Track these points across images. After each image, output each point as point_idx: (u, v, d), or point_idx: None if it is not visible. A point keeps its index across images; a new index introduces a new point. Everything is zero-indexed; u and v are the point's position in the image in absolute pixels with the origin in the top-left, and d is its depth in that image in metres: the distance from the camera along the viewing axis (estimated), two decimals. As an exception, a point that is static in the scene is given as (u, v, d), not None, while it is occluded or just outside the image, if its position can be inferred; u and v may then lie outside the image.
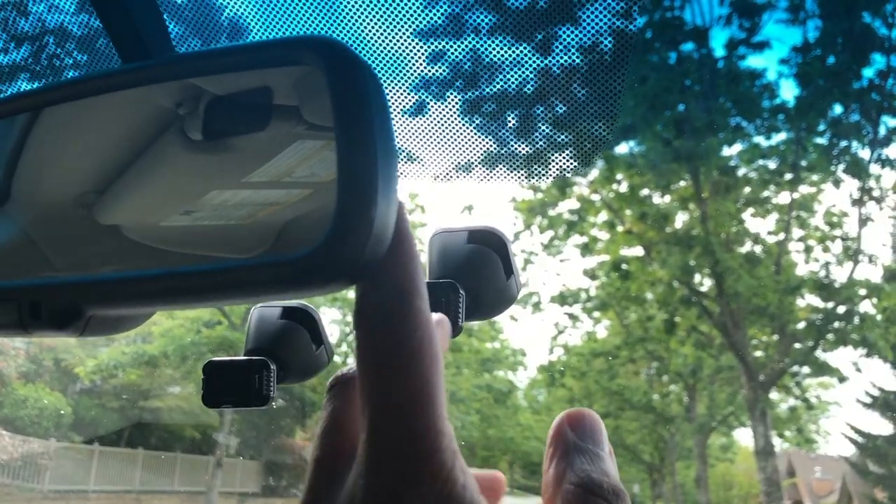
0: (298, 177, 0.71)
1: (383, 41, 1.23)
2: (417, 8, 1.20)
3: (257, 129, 0.71)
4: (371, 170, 0.55)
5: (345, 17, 1.21)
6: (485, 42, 1.29)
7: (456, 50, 1.28)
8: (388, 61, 1.26)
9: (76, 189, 0.83)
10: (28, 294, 0.68)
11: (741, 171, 14.16)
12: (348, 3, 1.18)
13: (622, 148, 14.46)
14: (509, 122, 1.42)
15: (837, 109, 12.28)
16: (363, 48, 1.27)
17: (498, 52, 1.30)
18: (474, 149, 1.36)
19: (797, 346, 14.24)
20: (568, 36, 1.25)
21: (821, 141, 13.69)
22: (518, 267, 0.80)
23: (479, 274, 0.77)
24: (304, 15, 1.23)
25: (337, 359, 21.55)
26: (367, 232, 0.54)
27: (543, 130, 1.40)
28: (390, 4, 1.23)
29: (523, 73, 1.35)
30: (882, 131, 13.13)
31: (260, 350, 0.90)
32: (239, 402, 0.90)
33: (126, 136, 0.80)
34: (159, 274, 0.66)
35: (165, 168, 0.81)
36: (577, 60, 1.28)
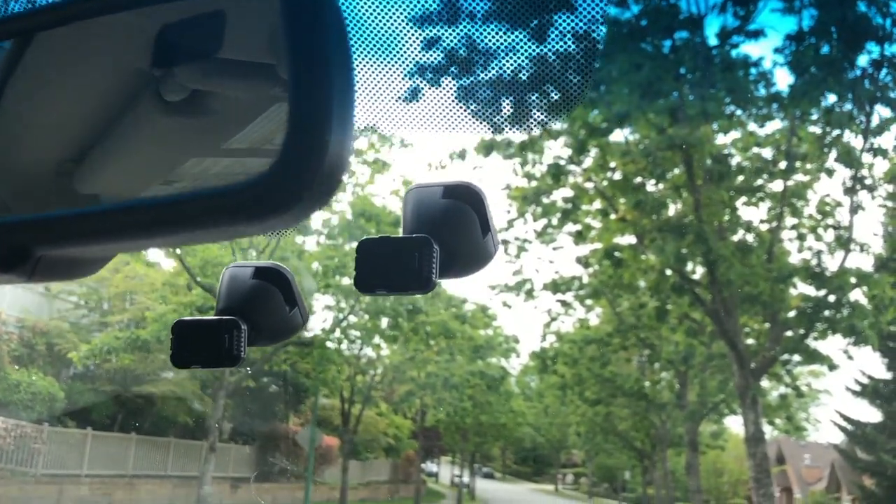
0: (279, 143, 0.72)
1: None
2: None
3: (212, 51, 0.68)
4: (326, 93, 0.53)
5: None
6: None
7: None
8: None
9: (54, 157, 0.81)
10: None
11: (735, 160, 14.20)
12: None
13: (617, 136, 14.49)
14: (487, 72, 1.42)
15: (831, 98, 12.31)
16: None
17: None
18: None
19: (788, 334, 14.32)
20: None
21: (814, 129, 13.74)
22: (495, 224, 0.77)
23: (455, 230, 0.74)
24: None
25: (330, 345, 21.49)
26: (321, 156, 0.52)
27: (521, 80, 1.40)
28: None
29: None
30: (875, 120, 13.18)
31: (231, 310, 0.87)
32: (208, 363, 0.89)
33: (102, 103, 0.78)
34: (109, 209, 0.64)
35: (143, 134, 0.79)
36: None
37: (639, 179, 13.99)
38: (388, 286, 0.71)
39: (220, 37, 0.68)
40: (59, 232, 0.62)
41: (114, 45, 0.74)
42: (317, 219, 19.79)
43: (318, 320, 21.97)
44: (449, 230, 0.74)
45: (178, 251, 17.31)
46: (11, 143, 0.77)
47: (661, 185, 13.94)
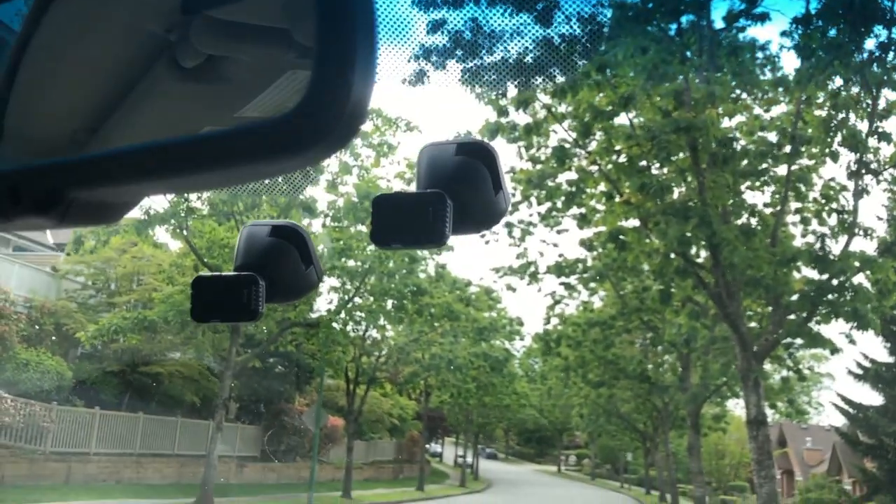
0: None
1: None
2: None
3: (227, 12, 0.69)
4: (350, 38, 0.55)
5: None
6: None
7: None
8: None
9: (69, 126, 0.81)
10: (6, 180, 0.67)
11: (740, 143, 14.18)
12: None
13: (622, 119, 14.47)
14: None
15: (837, 82, 12.25)
16: None
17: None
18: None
19: (791, 317, 14.35)
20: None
21: (820, 113, 13.70)
22: (507, 182, 0.78)
23: (468, 186, 0.75)
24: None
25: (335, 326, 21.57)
26: (345, 96, 0.54)
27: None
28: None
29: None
30: (881, 104, 13.14)
31: (249, 266, 0.89)
32: (228, 317, 0.90)
33: (117, 68, 0.78)
34: (137, 148, 0.65)
35: (158, 101, 0.81)
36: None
37: (643, 163, 13.99)
38: (403, 240, 0.73)
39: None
40: (91, 173, 0.64)
41: (130, 11, 0.75)
42: (322, 201, 19.86)
43: (324, 301, 22.10)
44: (462, 186, 0.74)
45: (185, 232, 17.39)
46: (27, 112, 0.77)
47: (665, 169, 13.94)
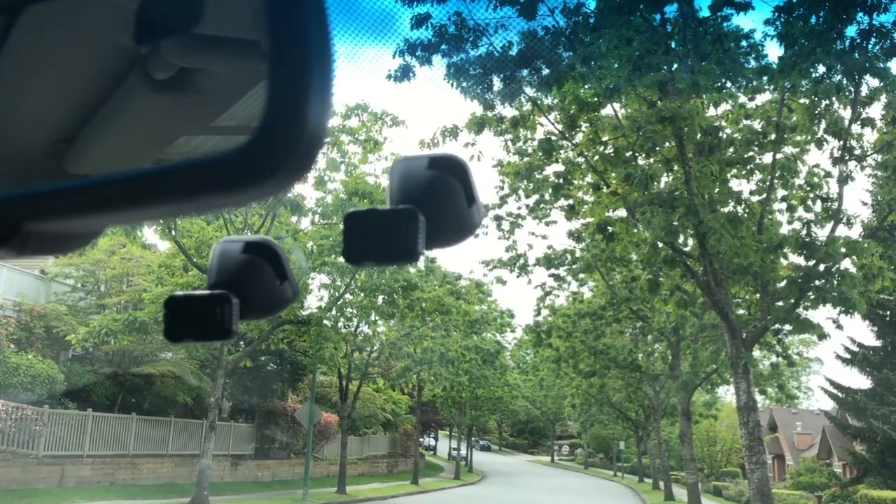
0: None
1: None
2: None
3: (194, 26, 0.69)
4: (304, 64, 0.55)
5: None
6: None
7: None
8: None
9: (45, 138, 0.81)
10: None
11: (725, 132, 14.26)
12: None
13: (607, 110, 14.53)
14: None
15: (820, 69, 12.35)
16: None
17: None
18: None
19: (779, 303, 14.47)
20: None
21: (804, 101, 13.80)
22: (479, 195, 0.78)
23: (440, 200, 0.75)
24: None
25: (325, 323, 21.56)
26: (301, 127, 0.54)
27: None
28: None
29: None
30: (864, 91, 13.25)
31: (222, 284, 0.87)
32: (201, 336, 0.88)
33: (91, 82, 0.79)
34: (93, 182, 0.65)
35: (132, 112, 0.80)
36: None
37: (630, 153, 14.04)
38: (376, 258, 0.71)
39: (202, 12, 0.69)
40: (45, 206, 0.63)
41: (100, 22, 0.74)
42: (311, 198, 19.84)
43: (315, 298, 22.11)
44: (434, 201, 0.74)
45: (173, 233, 17.35)
46: (2, 125, 0.76)
47: (652, 159, 14.01)
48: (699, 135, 12.84)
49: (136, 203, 0.60)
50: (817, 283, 13.48)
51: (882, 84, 12.45)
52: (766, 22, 11.92)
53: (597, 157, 14.63)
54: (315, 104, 0.54)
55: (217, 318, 0.82)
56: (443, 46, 11.08)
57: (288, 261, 0.90)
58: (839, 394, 33.40)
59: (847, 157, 13.96)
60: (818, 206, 15.27)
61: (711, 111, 14.56)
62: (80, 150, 0.80)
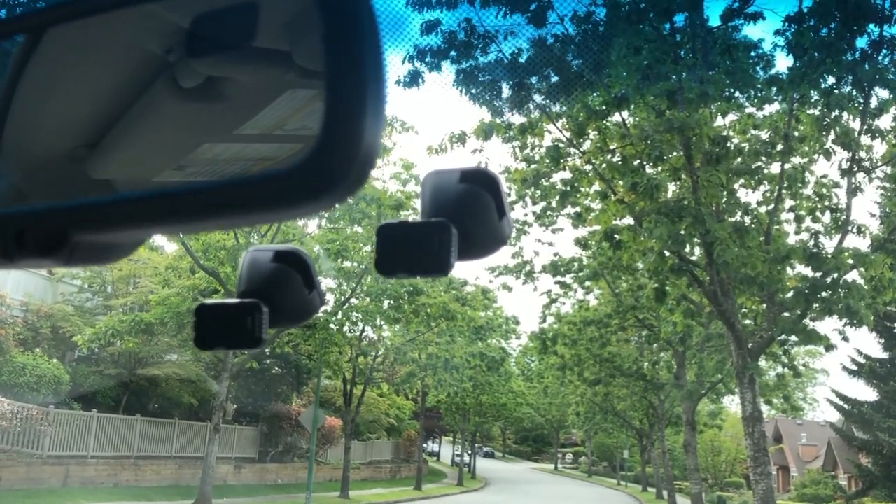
0: (290, 129, 0.72)
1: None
2: None
3: (229, 40, 0.70)
4: (361, 85, 0.57)
5: None
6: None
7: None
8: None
9: (67, 143, 0.82)
10: (12, 222, 0.68)
11: (733, 142, 14.24)
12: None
13: (615, 118, 14.52)
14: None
15: (830, 80, 12.31)
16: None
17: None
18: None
19: (785, 314, 14.42)
20: None
21: (813, 112, 13.77)
22: (509, 209, 0.80)
23: (472, 213, 0.75)
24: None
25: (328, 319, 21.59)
26: (357, 145, 0.56)
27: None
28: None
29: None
30: (873, 102, 13.22)
31: (252, 293, 0.88)
32: (231, 344, 0.89)
33: (116, 87, 0.79)
34: (145, 195, 0.66)
35: (157, 119, 0.81)
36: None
37: (637, 162, 14.03)
38: (409, 269, 0.72)
39: (238, 26, 0.70)
40: (97, 217, 0.65)
41: (128, 33, 0.75)
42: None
43: (321, 302, 22.10)
44: (466, 214, 0.75)
45: (180, 234, 17.39)
46: (26, 130, 0.77)
47: (659, 168, 13.99)
48: (707, 144, 12.83)
49: (187, 216, 0.61)
50: (824, 294, 13.42)
51: (892, 95, 12.42)
52: (776, 32, 11.89)
53: (604, 165, 14.63)
54: (370, 122, 0.56)
55: (247, 326, 0.84)
56: (452, 53, 11.11)
57: (316, 271, 0.92)
58: (845, 405, 33.23)
59: (856, 169, 13.92)
60: (826, 217, 15.22)
61: (719, 121, 14.54)
62: (102, 156, 0.81)
